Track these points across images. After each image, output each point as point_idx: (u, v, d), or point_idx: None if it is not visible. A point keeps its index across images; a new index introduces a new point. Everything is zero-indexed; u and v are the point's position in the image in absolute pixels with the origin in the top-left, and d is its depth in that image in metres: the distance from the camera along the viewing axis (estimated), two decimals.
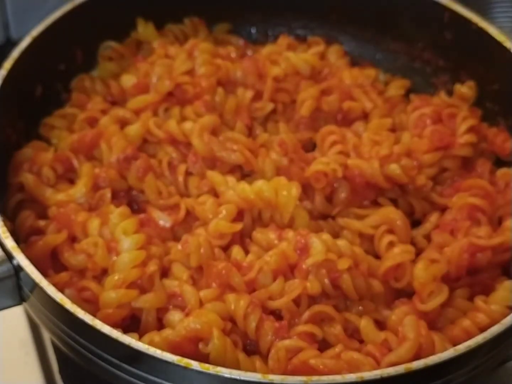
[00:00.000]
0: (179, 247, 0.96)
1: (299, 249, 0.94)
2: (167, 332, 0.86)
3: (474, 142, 1.11)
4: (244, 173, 1.08)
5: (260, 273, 0.92)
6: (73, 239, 0.99)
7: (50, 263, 0.97)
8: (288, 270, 0.94)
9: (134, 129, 1.09)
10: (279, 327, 0.88)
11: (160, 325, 0.91)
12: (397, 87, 1.23)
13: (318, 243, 0.93)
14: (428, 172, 1.08)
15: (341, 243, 0.96)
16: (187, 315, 0.89)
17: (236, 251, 0.96)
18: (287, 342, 0.87)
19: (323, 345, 0.89)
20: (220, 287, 0.91)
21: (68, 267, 0.96)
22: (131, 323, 0.91)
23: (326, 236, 0.96)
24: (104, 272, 0.95)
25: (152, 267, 0.93)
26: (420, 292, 0.93)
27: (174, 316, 0.90)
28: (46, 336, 1.07)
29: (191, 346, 0.85)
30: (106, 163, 1.06)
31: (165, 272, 0.96)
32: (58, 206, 1.01)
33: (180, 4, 1.28)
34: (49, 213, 1.01)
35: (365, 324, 0.91)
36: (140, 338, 0.86)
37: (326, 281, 0.91)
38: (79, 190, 1.02)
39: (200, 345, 0.85)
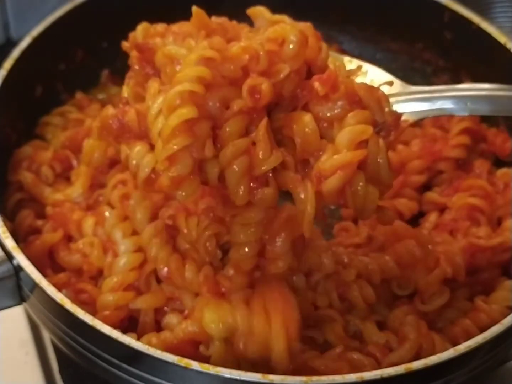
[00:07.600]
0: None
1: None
2: (165, 335, 0.86)
3: (467, 144, 1.11)
4: None
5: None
6: (69, 238, 0.99)
7: (48, 262, 0.97)
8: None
9: None
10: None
11: (158, 327, 0.91)
12: None
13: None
14: (416, 179, 1.08)
15: (341, 251, 0.95)
16: (185, 318, 0.89)
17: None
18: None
19: (324, 346, 0.89)
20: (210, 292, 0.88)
21: (65, 267, 0.96)
22: (129, 325, 0.91)
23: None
24: (100, 272, 0.95)
25: (149, 268, 0.92)
26: (423, 293, 0.93)
27: (173, 319, 0.90)
28: (46, 336, 1.07)
29: (189, 349, 0.85)
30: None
31: None
32: (54, 205, 1.01)
33: (180, 3, 1.28)
34: (46, 212, 1.01)
35: (367, 326, 0.90)
36: (138, 339, 0.85)
37: (334, 295, 0.91)
38: (76, 190, 1.03)
39: (201, 348, 0.85)
